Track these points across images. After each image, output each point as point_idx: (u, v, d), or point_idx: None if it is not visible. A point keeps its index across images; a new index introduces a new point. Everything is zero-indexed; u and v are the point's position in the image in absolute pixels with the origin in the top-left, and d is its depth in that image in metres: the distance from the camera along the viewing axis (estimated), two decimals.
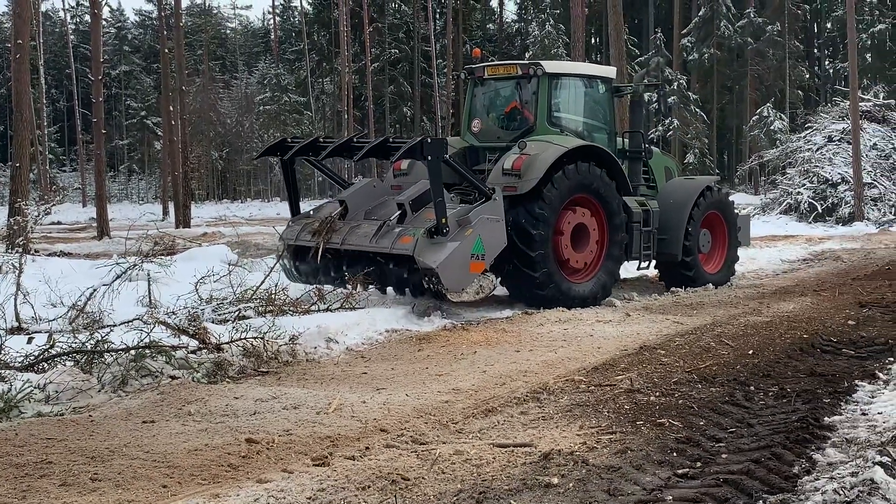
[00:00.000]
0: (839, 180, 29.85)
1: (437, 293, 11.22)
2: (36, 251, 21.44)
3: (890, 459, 5.48)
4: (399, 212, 11.83)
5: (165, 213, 44.15)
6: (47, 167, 58.74)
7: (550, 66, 13.33)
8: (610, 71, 14.37)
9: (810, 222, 29.04)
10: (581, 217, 12.70)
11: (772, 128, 48.41)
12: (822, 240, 23.38)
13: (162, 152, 49.13)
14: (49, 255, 20.87)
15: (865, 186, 29.29)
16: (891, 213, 28.91)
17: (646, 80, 17.43)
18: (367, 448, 5.94)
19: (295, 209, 13.37)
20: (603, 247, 12.97)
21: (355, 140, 12.56)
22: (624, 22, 62.92)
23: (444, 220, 11.08)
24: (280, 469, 5.51)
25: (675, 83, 54.07)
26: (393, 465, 5.57)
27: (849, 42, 32.88)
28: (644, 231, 13.59)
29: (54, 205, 15.73)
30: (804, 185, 30.56)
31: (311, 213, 13.12)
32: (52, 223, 42.79)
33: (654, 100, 15.82)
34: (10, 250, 13.25)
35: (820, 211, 29.51)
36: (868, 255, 19.27)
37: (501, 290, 12.91)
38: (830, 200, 29.67)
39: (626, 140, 14.44)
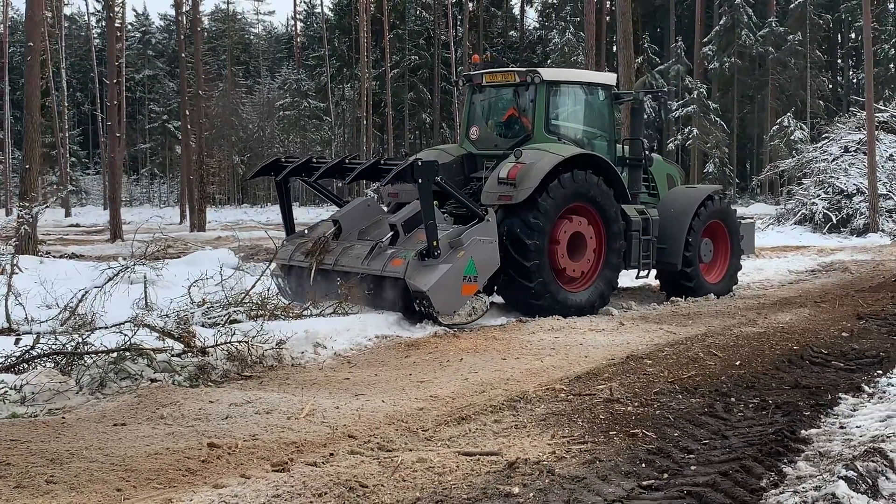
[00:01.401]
0: (854, 191, 29.57)
1: (429, 315, 11.10)
2: (48, 253, 21.59)
3: (856, 474, 5.40)
4: (391, 233, 11.79)
5: (183, 216, 44.37)
6: (69, 170, 59.19)
7: (548, 73, 13.25)
8: (609, 78, 14.28)
9: (825, 233, 28.75)
10: (578, 226, 12.63)
11: (792, 138, 48.16)
12: (833, 251, 23.18)
13: (181, 156, 49.38)
14: (60, 256, 20.99)
15: (881, 198, 29.00)
16: None
17: (646, 87, 17.22)
18: (331, 454, 5.91)
19: (289, 228, 13.31)
20: (600, 255, 12.90)
21: (347, 161, 12.52)
22: (644, 30, 63.21)
23: (435, 243, 11.01)
24: (238, 474, 5.49)
25: (696, 92, 53.88)
26: (353, 471, 5.54)
27: (864, 52, 32.60)
28: (643, 239, 13.48)
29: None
30: (819, 195, 30.29)
31: (306, 231, 13.09)
32: (71, 225, 43.20)
33: (656, 107, 15.71)
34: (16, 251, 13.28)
35: (835, 222, 29.23)
36: (877, 267, 19.07)
37: (497, 298, 12.87)
38: (845, 211, 29.38)
39: (626, 147, 14.33)
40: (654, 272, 14.42)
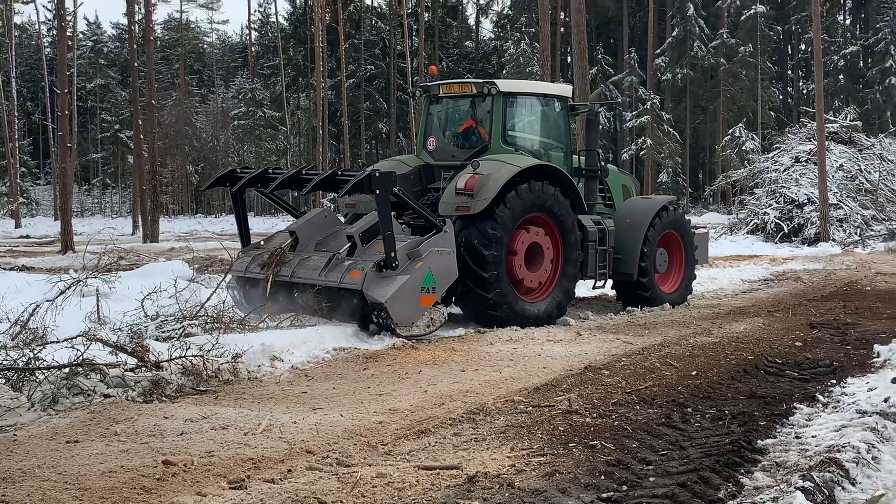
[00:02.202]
0: (805, 201, 29.99)
1: (387, 327, 11.02)
2: None
3: (812, 484, 5.45)
4: (349, 244, 11.70)
5: (136, 227, 43.87)
6: (18, 180, 58.33)
7: (505, 84, 13.28)
8: (565, 89, 14.34)
9: (776, 242, 29.14)
10: (535, 236, 12.66)
11: (744, 148, 48.82)
12: (785, 260, 23.48)
13: (133, 166, 48.89)
14: (10, 268, 20.61)
15: (831, 207, 29.44)
16: (856, 234, 29.04)
17: (602, 99, 17.35)
18: (289, 470, 5.84)
19: (245, 239, 13.16)
20: (557, 265, 12.93)
21: (304, 172, 12.42)
22: (598, 42, 63.70)
23: (393, 254, 10.97)
24: (194, 492, 5.39)
25: (649, 103, 54.40)
26: (311, 488, 5.48)
27: (815, 64, 33.13)
28: (599, 250, 13.54)
29: None
30: (771, 205, 30.70)
31: (262, 243, 12.93)
32: (21, 237, 42.52)
33: (611, 118, 15.80)
34: None
35: (786, 231, 29.63)
36: (828, 276, 19.33)
37: (455, 308, 12.84)
38: (797, 221, 29.79)
39: (582, 158, 14.40)
40: (610, 282, 14.49)
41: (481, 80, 13.38)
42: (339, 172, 12.06)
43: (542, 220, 12.74)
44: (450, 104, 13.89)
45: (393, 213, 11.63)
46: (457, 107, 13.87)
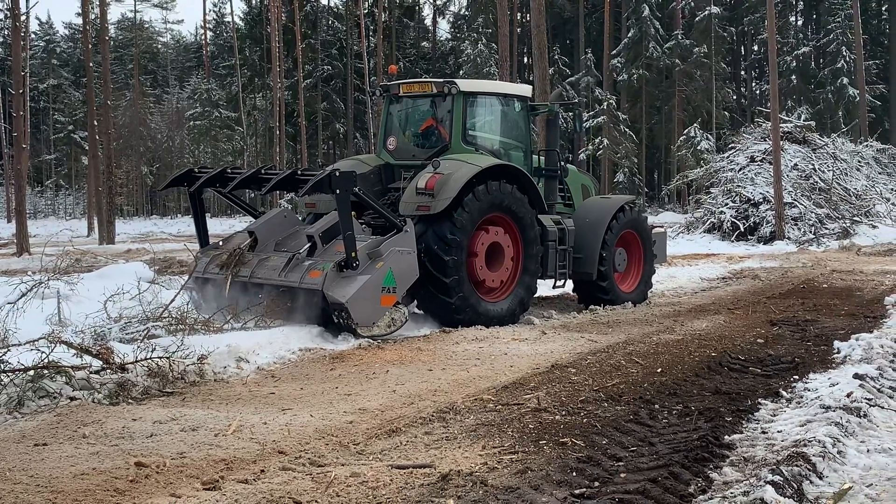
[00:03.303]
0: (761, 200, 30.32)
1: (347, 327, 10.96)
2: None
3: (781, 478, 5.53)
4: (309, 244, 11.63)
5: (91, 229, 43.40)
6: None
7: (465, 84, 13.29)
8: (525, 89, 14.35)
9: (733, 241, 29.44)
10: (495, 236, 12.68)
11: (699, 148, 49.28)
12: (742, 258, 23.73)
13: (88, 167, 48.36)
14: None
15: (786, 206, 29.80)
16: (811, 232, 29.44)
17: (561, 99, 17.37)
18: (262, 471, 5.83)
19: (203, 240, 13.04)
20: (518, 263, 12.96)
21: (263, 172, 12.34)
22: (555, 43, 63.97)
23: (353, 254, 10.91)
24: (168, 494, 5.37)
25: (605, 103, 54.77)
26: (286, 488, 5.48)
27: (769, 64, 33.55)
28: (559, 249, 13.60)
29: None
30: (727, 204, 31.02)
31: (220, 243, 12.79)
32: None
33: (570, 119, 15.93)
34: None
35: (742, 230, 29.95)
36: (785, 274, 19.57)
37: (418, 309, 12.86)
38: (752, 220, 30.12)
39: (542, 158, 14.46)
40: (570, 282, 14.58)
41: (442, 80, 13.37)
42: (300, 172, 11.96)
43: (501, 220, 12.76)
44: (410, 104, 13.87)
45: (353, 212, 11.61)
46: (417, 106, 13.86)
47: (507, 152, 13.76)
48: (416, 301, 12.78)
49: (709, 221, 31.06)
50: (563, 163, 14.49)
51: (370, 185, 13.03)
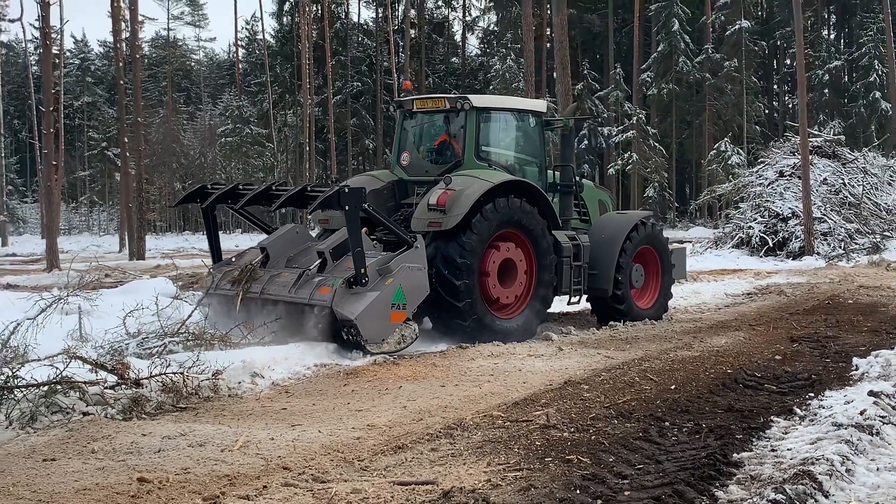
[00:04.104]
0: (790, 215, 30.08)
1: (357, 344, 10.91)
2: None
3: (785, 497, 5.48)
4: (319, 260, 11.61)
5: (122, 244, 43.79)
6: (5, 198, 58.18)
7: (478, 100, 13.26)
8: (540, 105, 14.30)
9: (761, 256, 29.19)
10: (507, 252, 12.58)
11: (729, 162, 48.92)
12: (769, 274, 23.52)
13: (120, 184, 48.87)
14: None
15: (816, 221, 29.54)
16: (840, 247, 29.14)
17: (576, 114, 17.22)
18: (264, 487, 5.85)
19: (216, 255, 13.11)
20: (532, 276, 12.87)
21: (274, 188, 12.37)
22: (585, 57, 63.92)
23: (363, 270, 10.88)
24: None
25: (635, 117, 54.62)
26: None
27: (797, 79, 33.30)
28: (574, 265, 13.50)
29: None
30: (756, 219, 30.77)
31: (233, 259, 12.85)
32: (7, 255, 42.41)
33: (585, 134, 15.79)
34: None
35: (771, 245, 29.70)
36: (811, 290, 19.38)
37: (429, 323, 12.80)
38: (781, 235, 29.88)
39: (557, 174, 14.37)
40: (585, 299, 14.45)
41: (454, 96, 13.35)
42: (309, 188, 11.93)
43: (513, 235, 12.67)
44: (424, 119, 13.86)
45: (365, 229, 11.59)
46: (431, 122, 13.83)
47: (521, 168, 13.73)
48: (426, 318, 12.71)
49: (737, 236, 30.82)
50: (578, 178, 14.38)
51: (383, 201, 13.02)
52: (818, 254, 28.68)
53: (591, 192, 15.17)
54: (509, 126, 13.85)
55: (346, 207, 10.93)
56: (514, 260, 12.70)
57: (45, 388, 7.78)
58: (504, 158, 13.64)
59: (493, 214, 12.29)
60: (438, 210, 11.98)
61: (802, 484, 5.77)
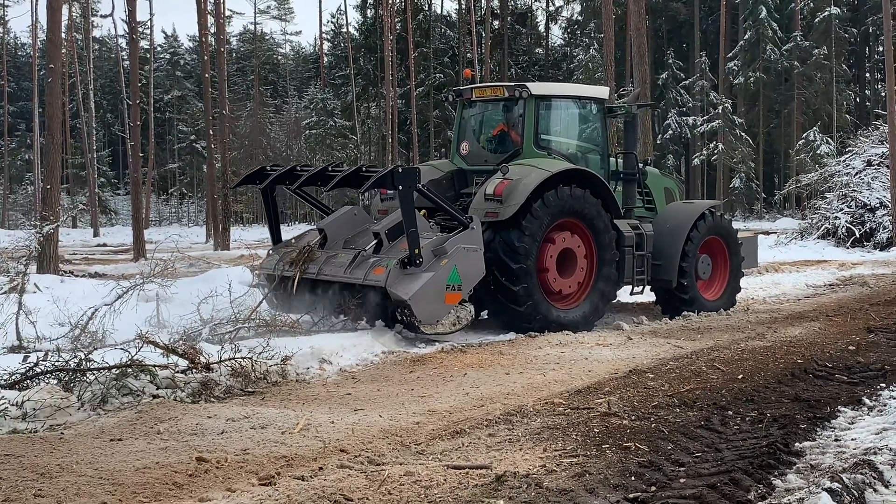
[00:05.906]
0: (877, 205, 29.30)
1: (411, 325, 10.92)
2: (70, 272, 21.81)
3: (840, 486, 5.39)
4: (375, 241, 11.65)
5: (209, 235, 44.66)
6: (97, 190, 59.77)
7: (536, 87, 13.12)
8: (602, 91, 14.09)
9: (848, 247, 28.48)
10: (566, 242, 12.44)
11: (818, 152, 47.83)
12: (854, 265, 22.97)
13: (206, 176, 49.85)
14: (82, 275, 21.20)
15: None
16: None
17: (639, 101, 16.92)
18: (320, 468, 5.95)
19: (276, 237, 13.24)
20: (592, 269, 12.71)
21: (330, 169, 12.46)
22: (670, 46, 63.08)
23: (417, 251, 10.87)
24: (224, 488, 5.53)
25: (721, 107, 53.77)
26: (339, 485, 5.57)
27: (886, 65, 32.34)
28: (637, 255, 13.28)
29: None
30: (842, 209, 30.05)
31: (293, 241, 12.96)
32: (99, 245, 43.59)
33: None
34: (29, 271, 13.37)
35: (858, 236, 28.97)
36: None
37: None
38: (868, 225, 29.12)
39: (620, 161, 14.10)
40: (649, 289, 14.18)
41: (513, 84, 13.19)
42: (364, 169, 11.98)
43: (573, 225, 12.53)
44: (482, 108, 13.78)
45: (423, 212, 11.59)
46: (490, 111, 13.75)
47: (582, 156, 13.56)
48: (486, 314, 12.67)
49: (823, 227, 30.12)
50: (641, 165, 14.12)
51: (443, 191, 12.94)
52: None
53: (656, 179, 14.84)
54: (569, 113, 13.70)
55: (400, 187, 10.96)
56: (574, 251, 12.54)
57: (117, 371, 8.00)
58: (564, 146, 13.50)
59: (555, 202, 12.16)
60: (495, 200, 11.90)
61: (861, 473, 5.67)
